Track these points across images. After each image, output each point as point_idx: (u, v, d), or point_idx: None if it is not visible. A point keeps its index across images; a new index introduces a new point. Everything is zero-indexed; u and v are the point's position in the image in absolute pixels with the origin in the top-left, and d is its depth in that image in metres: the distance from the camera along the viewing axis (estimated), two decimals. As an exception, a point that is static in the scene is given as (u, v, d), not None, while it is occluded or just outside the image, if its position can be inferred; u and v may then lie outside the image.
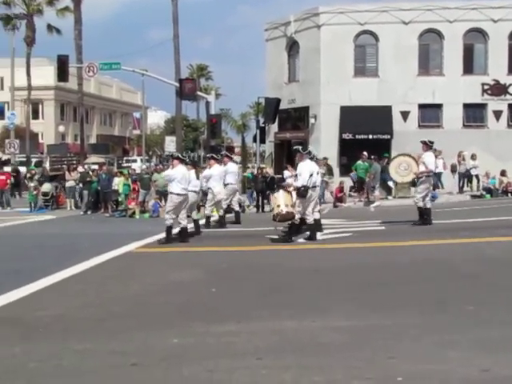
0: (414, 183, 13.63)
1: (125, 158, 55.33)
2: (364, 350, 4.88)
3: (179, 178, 11.37)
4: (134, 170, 25.55)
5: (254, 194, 21.37)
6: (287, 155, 28.89)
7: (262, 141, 27.91)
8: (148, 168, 30.63)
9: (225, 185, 14.57)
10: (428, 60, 28.09)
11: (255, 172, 22.53)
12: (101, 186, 20.58)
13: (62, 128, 58.61)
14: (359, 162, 22.66)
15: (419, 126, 27.66)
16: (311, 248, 11.01)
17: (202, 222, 14.21)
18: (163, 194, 13.32)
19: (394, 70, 27.10)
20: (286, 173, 21.48)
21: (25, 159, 36.83)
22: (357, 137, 26.51)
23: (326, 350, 4.91)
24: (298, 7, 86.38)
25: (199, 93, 32.60)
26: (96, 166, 25.67)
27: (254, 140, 28.48)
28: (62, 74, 26.77)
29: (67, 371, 4.57)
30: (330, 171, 22.31)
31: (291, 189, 11.66)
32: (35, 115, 54.45)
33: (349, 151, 26.16)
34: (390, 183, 22.63)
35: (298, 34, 29.08)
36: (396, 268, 8.65)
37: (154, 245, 11.75)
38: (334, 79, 27.43)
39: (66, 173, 23.09)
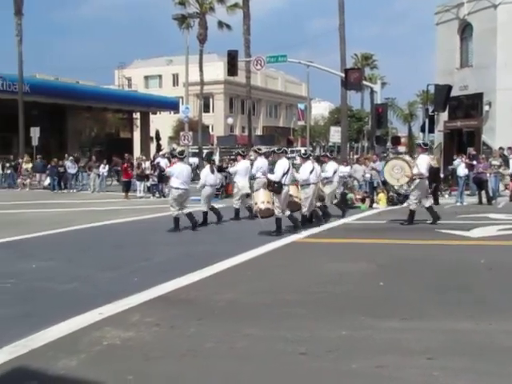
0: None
1: (290, 149, 56.35)
2: (552, 359, 4.45)
3: (177, 174, 12.91)
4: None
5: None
6: (457, 145, 27.39)
7: (431, 130, 26.76)
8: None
9: (255, 179, 15.39)
10: None
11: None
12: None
13: (230, 120, 61.51)
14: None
15: None
16: (484, 244, 10.32)
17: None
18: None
19: None
20: (457, 161, 20.41)
21: (197, 151, 39.14)
22: (538, 124, 24.27)
23: (507, 356, 4.55)
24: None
25: (364, 82, 32.08)
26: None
27: (422, 130, 27.39)
28: (232, 68, 27.93)
29: (239, 354, 4.74)
30: (506, 162, 20.65)
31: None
32: (206, 108, 57.53)
33: (528, 140, 24.06)
34: None
35: (472, 16, 27.31)
36: None
37: (318, 235, 11.81)
38: (513, 62, 25.35)
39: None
